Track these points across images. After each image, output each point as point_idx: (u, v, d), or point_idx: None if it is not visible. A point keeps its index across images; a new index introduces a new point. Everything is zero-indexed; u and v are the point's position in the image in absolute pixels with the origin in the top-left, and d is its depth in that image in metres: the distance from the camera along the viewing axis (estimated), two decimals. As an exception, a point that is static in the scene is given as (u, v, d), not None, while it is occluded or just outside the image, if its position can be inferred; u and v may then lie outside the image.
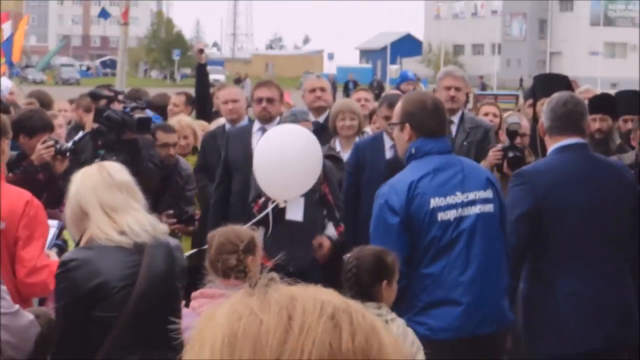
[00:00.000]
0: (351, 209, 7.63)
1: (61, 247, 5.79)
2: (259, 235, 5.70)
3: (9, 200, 5.26)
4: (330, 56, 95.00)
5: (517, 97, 24.84)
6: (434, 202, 5.24)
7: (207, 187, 8.50)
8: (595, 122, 7.75)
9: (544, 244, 5.46)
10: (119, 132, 7.12)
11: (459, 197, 5.29)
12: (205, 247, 5.14)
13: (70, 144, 7.16)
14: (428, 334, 5.09)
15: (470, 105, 15.14)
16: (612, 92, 10.14)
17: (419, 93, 7.23)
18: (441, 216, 5.25)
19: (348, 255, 4.92)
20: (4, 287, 4.41)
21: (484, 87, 58.18)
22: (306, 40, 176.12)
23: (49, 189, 6.85)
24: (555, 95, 5.78)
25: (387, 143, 7.59)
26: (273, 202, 6.63)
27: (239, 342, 1.34)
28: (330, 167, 7.43)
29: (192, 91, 11.00)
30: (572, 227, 5.42)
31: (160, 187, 7.82)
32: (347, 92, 45.58)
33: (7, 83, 11.73)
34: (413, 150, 5.39)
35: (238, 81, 59.28)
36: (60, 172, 6.94)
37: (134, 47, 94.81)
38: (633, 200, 5.62)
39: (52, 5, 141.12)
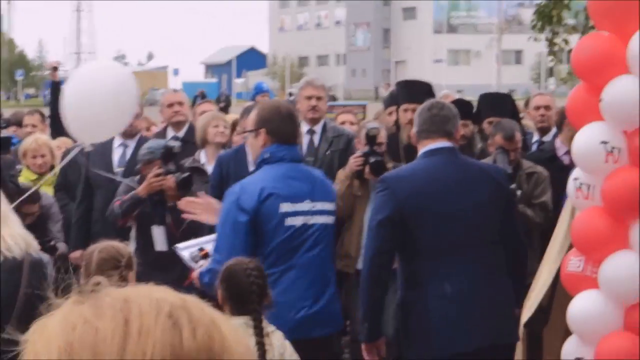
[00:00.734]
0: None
1: None
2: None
3: None
4: (176, 72, 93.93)
5: (364, 107, 25.21)
6: (284, 207, 5.43)
7: (68, 206, 8.35)
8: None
9: (414, 248, 5.45)
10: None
11: (307, 205, 5.50)
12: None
13: None
14: None
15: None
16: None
17: (274, 100, 7.39)
18: (289, 221, 5.43)
19: None
20: None
21: (332, 98, 58.50)
22: (150, 57, 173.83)
23: None
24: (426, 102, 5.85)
25: (250, 155, 7.55)
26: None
27: (76, 353, 1.27)
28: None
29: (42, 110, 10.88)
30: (439, 231, 5.41)
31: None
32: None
33: None
34: (267, 155, 5.53)
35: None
36: None
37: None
38: (504, 201, 5.64)
39: None
